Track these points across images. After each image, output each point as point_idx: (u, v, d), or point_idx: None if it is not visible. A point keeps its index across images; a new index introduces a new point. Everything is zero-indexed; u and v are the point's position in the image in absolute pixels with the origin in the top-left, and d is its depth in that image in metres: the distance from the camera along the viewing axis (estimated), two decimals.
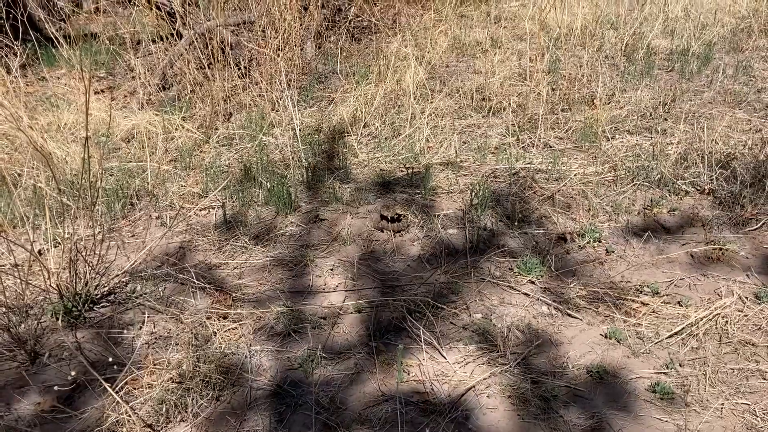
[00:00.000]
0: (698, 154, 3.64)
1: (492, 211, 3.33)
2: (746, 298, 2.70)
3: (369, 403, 2.24)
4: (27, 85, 4.92)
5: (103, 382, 2.20)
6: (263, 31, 4.82)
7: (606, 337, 2.53)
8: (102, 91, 5.15)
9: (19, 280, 2.63)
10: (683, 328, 2.54)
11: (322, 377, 2.35)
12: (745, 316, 2.60)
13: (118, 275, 2.86)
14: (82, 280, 2.67)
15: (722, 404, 2.20)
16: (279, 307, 2.70)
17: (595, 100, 4.42)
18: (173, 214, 3.40)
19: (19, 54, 4.55)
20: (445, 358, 2.43)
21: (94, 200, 2.93)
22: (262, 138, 4.11)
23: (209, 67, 4.58)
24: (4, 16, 5.13)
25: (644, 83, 4.78)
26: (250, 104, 4.60)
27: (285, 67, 4.68)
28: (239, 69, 4.84)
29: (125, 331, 2.59)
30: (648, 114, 4.33)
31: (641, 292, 2.77)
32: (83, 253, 2.68)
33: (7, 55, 4.61)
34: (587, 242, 3.09)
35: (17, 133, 3.62)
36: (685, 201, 3.40)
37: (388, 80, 4.65)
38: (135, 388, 2.30)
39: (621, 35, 5.51)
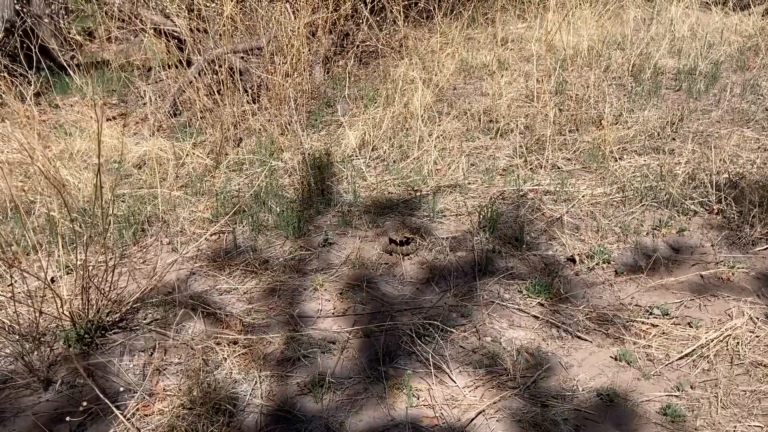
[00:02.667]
0: (706, 174, 3.64)
1: (500, 233, 3.34)
2: (757, 318, 2.69)
3: (378, 428, 2.24)
4: (40, 113, 5.00)
5: (114, 409, 2.22)
6: (272, 57, 4.88)
7: (616, 359, 2.52)
8: (114, 118, 5.22)
9: (32, 308, 2.65)
10: (694, 349, 2.52)
11: (331, 402, 2.35)
12: (757, 337, 2.58)
13: (129, 302, 2.89)
14: (94, 307, 2.69)
15: (735, 427, 2.18)
16: (288, 332, 2.71)
17: (602, 121, 4.43)
18: (184, 239, 3.43)
19: (32, 82, 4.63)
20: (454, 382, 2.43)
21: (105, 227, 2.97)
22: (271, 163, 4.15)
23: (219, 94, 4.64)
24: (19, 46, 5.23)
25: (651, 103, 4.80)
26: (259, 129, 4.65)
27: (294, 92, 4.74)
28: (248, 95, 4.90)
29: (136, 358, 2.60)
30: (656, 134, 4.33)
31: (651, 313, 2.77)
32: (95, 281, 2.71)
33: (21, 84, 4.70)
34: (596, 264, 3.09)
35: (30, 162, 3.67)
36: (694, 221, 3.39)
37: (396, 103, 4.68)
38: (146, 415, 2.31)
39: (627, 55, 5.53)
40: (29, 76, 4.65)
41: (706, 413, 2.24)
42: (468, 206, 3.62)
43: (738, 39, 6.08)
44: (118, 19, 5.83)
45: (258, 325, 2.78)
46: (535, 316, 2.78)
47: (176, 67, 5.10)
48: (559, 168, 4.01)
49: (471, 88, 5.32)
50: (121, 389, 2.37)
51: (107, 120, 5.10)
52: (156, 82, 5.47)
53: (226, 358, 2.57)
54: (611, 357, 2.54)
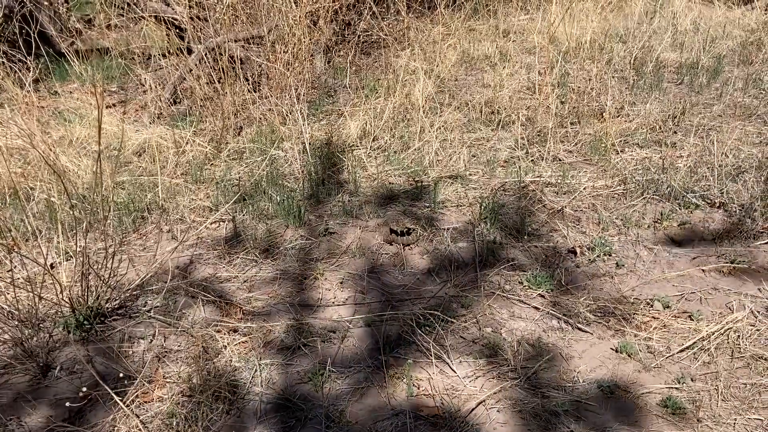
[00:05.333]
0: (708, 167, 3.63)
1: (501, 224, 3.33)
2: (758, 312, 2.69)
3: (378, 418, 2.23)
4: (40, 99, 4.97)
5: (113, 395, 2.21)
6: (273, 46, 4.85)
7: (616, 351, 2.52)
8: (113, 105, 5.19)
9: (31, 294, 2.64)
10: (695, 342, 2.52)
11: (331, 391, 2.35)
12: (757, 330, 2.58)
13: (129, 289, 2.88)
14: (94, 294, 2.68)
15: (735, 419, 2.18)
16: (288, 321, 2.70)
17: (604, 114, 4.41)
18: (184, 227, 3.41)
19: (32, 69, 4.60)
20: (454, 372, 2.43)
21: (105, 214, 2.96)
22: (272, 152, 4.13)
23: (219, 82, 4.61)
24: (18, 32, 5.19)
25: (653, 96, 4.78)
26: (260, 118, 4.63)
27: (294, 82, 4.71)
28: (249, 83, 4.88)
29: (136, 345, 2.60)
30: (657, 127, 4.32)
31: (652, 306, 2.76)
32: (95, 267, 2.70)
33: (20, 70, 4.67)
34: (597, 256, 3.08)
35: (30, 148, 3.66)
36: (696, 214, 3.38)
37: (397, 94, 4.67)
38: (145, 402, 2.31)
39: (630, 49, 5.51)
40: (28, 62, 4.61)
41: (707, 406, 2.24)
42: (469, 197, 3.61)
43: (740, 33, 6.07)
44: (118, 6, 5.80)
45: (258, 313, 2.77)
46: (536, 308, 2.77)
47: (176, 55, 5.08)
48: (560, 160, 4.00)
49: (472, 80, 5.30)
50: (121, 376, 2.36)
51: (107, 107, 5.07)
52: (156, 70, 5.43)
53: (226, 346, 2.56)
54: (612, 349, 2.53)
